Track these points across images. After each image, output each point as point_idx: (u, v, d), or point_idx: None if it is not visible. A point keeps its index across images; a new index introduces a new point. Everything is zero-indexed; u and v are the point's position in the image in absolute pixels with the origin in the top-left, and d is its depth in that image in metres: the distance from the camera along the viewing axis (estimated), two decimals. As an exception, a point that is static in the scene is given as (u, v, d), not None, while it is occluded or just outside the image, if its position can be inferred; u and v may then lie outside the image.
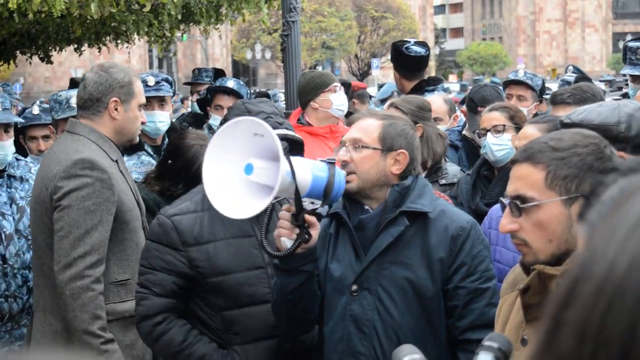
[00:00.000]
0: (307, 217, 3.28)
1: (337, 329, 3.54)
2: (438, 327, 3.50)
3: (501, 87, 6.92)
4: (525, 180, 2.54)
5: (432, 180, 5.06)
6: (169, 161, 5.09)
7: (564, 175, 2.49)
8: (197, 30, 11.70)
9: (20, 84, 47.65)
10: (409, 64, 7.02)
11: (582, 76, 8.98)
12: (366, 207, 3.54)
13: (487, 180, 5.19)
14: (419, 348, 2.46)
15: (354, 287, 3.50)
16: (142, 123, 4.56)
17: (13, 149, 5.19)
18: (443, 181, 5.26)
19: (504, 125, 5.11)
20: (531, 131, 4.36)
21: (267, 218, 3.41)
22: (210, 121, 6.67)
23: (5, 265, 5.08)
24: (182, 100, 28.73)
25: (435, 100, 6.35)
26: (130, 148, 6.14)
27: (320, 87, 6.23)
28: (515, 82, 6.70)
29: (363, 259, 3.50)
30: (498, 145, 5.06)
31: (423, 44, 7.27)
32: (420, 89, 6.85)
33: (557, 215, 2.51)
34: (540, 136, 2.71)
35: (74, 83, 9.29)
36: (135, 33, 9.16)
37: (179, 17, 8.64)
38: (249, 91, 8.30)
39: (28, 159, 5.60)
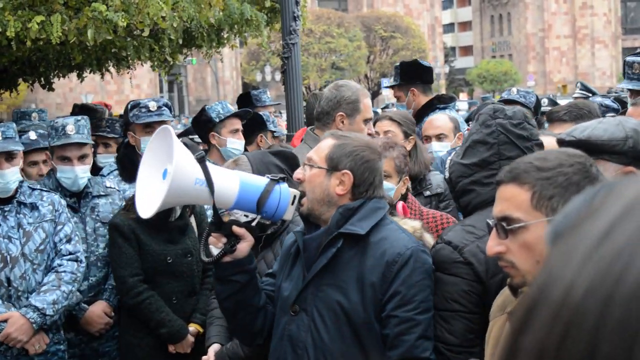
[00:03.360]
0: (235, 228, 3.36)
1: (278, 348, 3.54)
2: (372, 354, 3.40)
3: None
4: (511, 201, 2.50)
5: (416, 193, 5.06)
6: None
7: (550, 195, 2.46)
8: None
9: (31, 110, 47.79)
10: (430, 78, 7.11)
11: (589, 94, 8.96)
12: (321, 228, 3.52)
13: None
14: None
15: (295, 307, 3.49)
16: (369, 134, 5.06)
17: (18, 176, 5.22)
18: (427, 192, 5.26)
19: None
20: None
21: (209, 226, 3.47)
22: (229, 146, 6.60)
23: (10, 288, 5.14)
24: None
25: (441, 117, 6.34)
26: (130, 175, 6.17)
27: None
28: (508, 101, 6.75)
29: (305, 279, 3.49)
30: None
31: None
32: (431, 106, 6.87)
33: (543, 235, 2.47)
34: (525, 156, 2.67)
35: (81, 108, 9.32)
36: (137, 58, 9.18)
37: (180, 41, 8.65)
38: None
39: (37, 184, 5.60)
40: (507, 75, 74.39)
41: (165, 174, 3.21)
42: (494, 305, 2.88)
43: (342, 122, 5.08)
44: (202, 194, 3.23)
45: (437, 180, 5.37)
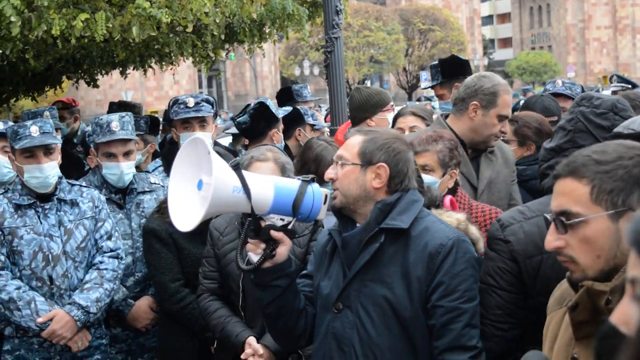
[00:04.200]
0: (273, 233, 3.33)
1: (322, 347, 3.52)
2: (420, 347, 3.41)
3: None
4: (570, 195, 2.46)
5: None
6: None
7: (609, 189, 2.41)
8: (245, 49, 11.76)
9: (72, 107, 48.15)
10: (470, 71, 7.05)
11: (628, 86, 8.84)
12: (357, 224, 3.50)
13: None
14: None
15: (338, 305, 3.47)
16: (502, 132, 5.06)
17: (57, 171, 5.22)
18: None
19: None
20: None
21: (244, 234, 3.43)
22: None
23: (52, 286, 5.16)
24: (232, 119, 28.88)
25: None
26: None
27: (379, 105, 6.26)
28: (554, 94, 6.68)
29: (347, 276, 3.47)
30: None
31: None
32: None
33: (604, 230, 2.42)
34: (583, 149, 2.62)
35: (119, 106, 9.35)
36: (179, 54, 9.21)
37: (222, 37, 8.65)
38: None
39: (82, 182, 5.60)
40: (547, 67, 73.95)
41: (201, 184, 3.18)
42: (551, 298, 2.83)
43: (475, 111, 4.97)
44: (240, 202, 3.21)
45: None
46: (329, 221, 3.85)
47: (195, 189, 3.20)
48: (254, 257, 3.38)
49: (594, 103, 3.47)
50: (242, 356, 4.49)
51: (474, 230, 3.89)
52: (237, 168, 3.22)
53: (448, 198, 4.29)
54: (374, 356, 3.39)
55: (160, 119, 8.90)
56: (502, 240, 3.49)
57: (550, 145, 3.56)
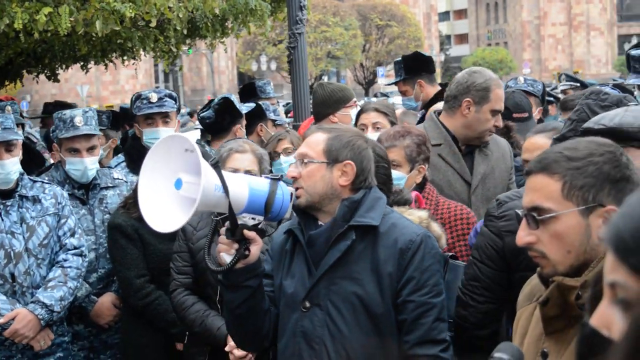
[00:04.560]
0: (247, 232, 3.30)
1: (289, 345, 3.52)
2: (389, 342, 3.44)
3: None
4: (542, 191, 2.49)
5: None
6: None
7: (580, 185, 2.45)
8: (203, 44, 11.69)
9: (27, 101, 47.68)
10: (433, 67, 7.09)
11: (577, 84, 8.95)
12: (320, 222, 3.51)
13: None
14: None
15: (305, 303, 3.47)
16: (496, 126, 5.05)
17: (18, 167, 5.16)
18: None
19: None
20: (542, 141, 4.33)
21: (210, 234, 3.43)
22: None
23: (14, 284, 5.10)
24: (190, 114, 28.75)
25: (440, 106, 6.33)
26: (138, 166, 6.14)
27: (342, 101, 6.25)
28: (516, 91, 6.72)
29: (314, 274, 3.47)
30: None
31: None
32: (444, 95, 6.87)
33: (575, 225, 2.46)
34: (555, 146, 2.65)
35: (58, 105, 9.26)
36: (142, 49, 9.15)
37: (185, 32, 8.62)
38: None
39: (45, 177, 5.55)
40: (503, 63, 74.39)
41: (180, 183, 3.13)
42: (521, 294, 2.87)
43: (469, 108, 4.99)
44: (220, 201, 3.18)
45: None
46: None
47: (171, 188, 3.15)
48: (227, 258, 3.34)
49: (601, 97, 3.53)
50: (227, 349, 4.49)
51: (436, 227, 3.96)
52: (216, 166, 3.20)
53: (414, 194, 4.33)
54: (346, 353, 3.40)
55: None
56: (495, 216, 3.64)
57: (557, 135, 3.63)
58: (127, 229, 5.22)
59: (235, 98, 6.80)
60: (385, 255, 3.42)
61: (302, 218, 3.52)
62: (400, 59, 7.30)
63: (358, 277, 3.42)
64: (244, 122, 6.63)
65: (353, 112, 6.23)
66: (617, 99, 3.55)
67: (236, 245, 3.33)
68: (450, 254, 4.11)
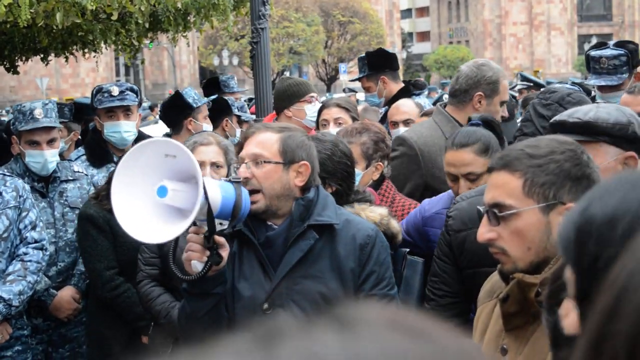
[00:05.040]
0: (217, 238, 3.23)
1: None
2: None
3: None
4: (503, 188, 2.51)
5: None
6: None
7: (541, 182, 2.47)
8: (164, 38, 11.62)
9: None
10: (397, 64, 7.13)
11: (531, 84, 9.02)
12: (269, 223, 3.47)
13: None
14: None
15: (266, 306, 3.43)
16: (502, 117, 5.02)
17: None
18: None
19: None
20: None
21: (174, 242, 3.31)
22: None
23: None
24: (150, 108, 28.63)
25: (407, 102, 6.37)
26: (98, 160, 6.09)
27: (296, 96, 6.21)
28: None
29: (273, 276, 3.43)
30: None
31: None
32: (407, 92, 6.89)
33: (535, 222, 2.48)
34: (517, 143, 2.67)
35: None
36: (103, 42, 9.09)
37: (147, 25, 8.57)
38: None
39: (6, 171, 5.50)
40: (464, 62, 73.88)
41: (164, 190, 3.05)
42: (482, 291, 2.89)
43: (480, 102, 4.96)
44: (203, 207, 3.10)
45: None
46: None
47: (153, 196, 3.07)
48: (199, 266, 3.26)
49: (546, 95, 3.57)
50: None
51: (394, 224, 4.02)
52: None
53: (369, 191, 4.34)
54: None
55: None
56: (447, 215, 3.80)
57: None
58: (98, 220, 5.19)
59: (192, 92, 6.78)
60: (346, 251, 3.43)
61: (252, 219, 3.45)
62: (364, 55, 7.33)
63: (320, 275, 3.42)
64: (200, 114, 6.59)
65: (309, 107, 6.19)
66: (560, 97, 3.58)
67: (207, 252, 3.25)
68: (408, 249, 4.14)
